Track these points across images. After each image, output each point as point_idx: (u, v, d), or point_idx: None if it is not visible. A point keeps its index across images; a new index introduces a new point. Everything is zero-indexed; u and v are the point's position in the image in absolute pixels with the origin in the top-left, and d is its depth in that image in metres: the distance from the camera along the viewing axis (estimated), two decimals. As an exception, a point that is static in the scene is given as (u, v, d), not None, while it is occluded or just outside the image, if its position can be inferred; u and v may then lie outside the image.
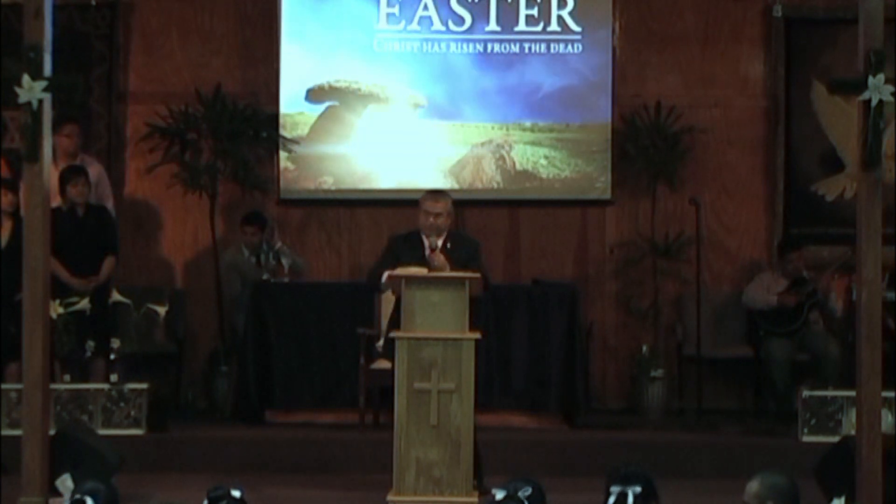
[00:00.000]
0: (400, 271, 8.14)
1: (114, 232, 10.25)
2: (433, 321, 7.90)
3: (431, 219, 8.57)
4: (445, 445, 7.83)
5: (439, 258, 8.36)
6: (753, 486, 5.52)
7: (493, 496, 6.01)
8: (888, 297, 9.78)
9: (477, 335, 7.95)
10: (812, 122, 11.20)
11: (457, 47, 11.27)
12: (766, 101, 11.33)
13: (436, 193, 8.83)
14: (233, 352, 10.55)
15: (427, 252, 8.44)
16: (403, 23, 11.26)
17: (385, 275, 8.27)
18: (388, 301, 9.03)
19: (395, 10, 11.26)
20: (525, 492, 6.03)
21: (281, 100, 11.23)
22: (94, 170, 10.46)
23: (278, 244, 10.81)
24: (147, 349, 10.38)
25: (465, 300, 7.91)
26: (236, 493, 5.83)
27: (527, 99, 11.27)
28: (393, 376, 8.23)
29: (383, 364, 9.03)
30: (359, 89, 11.28)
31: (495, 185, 11.32)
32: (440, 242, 8.56)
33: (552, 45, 11.25)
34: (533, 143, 11.29)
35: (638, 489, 5.94)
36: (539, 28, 11.25)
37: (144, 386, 9.54)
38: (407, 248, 8.60)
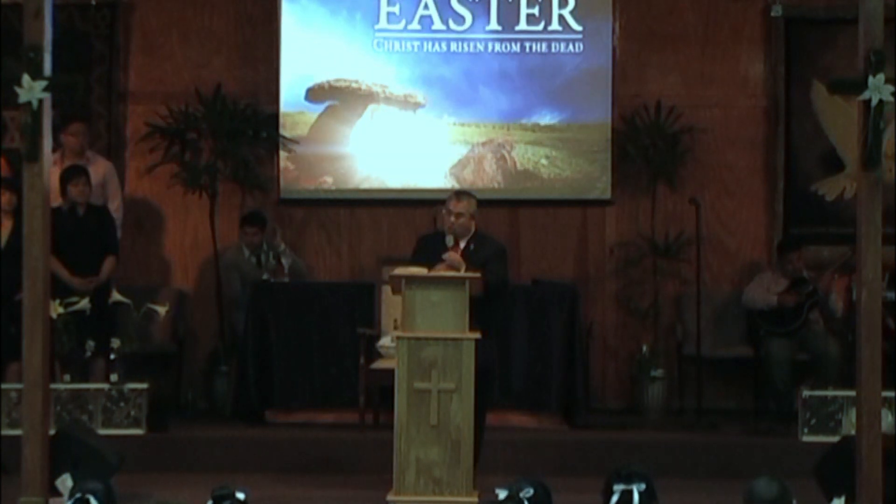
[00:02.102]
0: (399, 271, 8.15)
1: (114, 232, 10.25)
2: (433, 321, 7.90)
3: (453, 218, 8.60)
4: (445, 445, 7.83)
5: (454, 256, 8.36)
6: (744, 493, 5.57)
7: (496, 495, 6.02)
8: (888, 297, 9.79)
9: (477, 335, 7.94)
10: (812, 122, 11.21)
11: (457, 46, 11.27)
12: (766, 101, 11.33)
13: (459, 194, 8.85)
14: (233, 352, 10.55)
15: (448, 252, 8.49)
16: (404, 22, 11.26)
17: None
18: (393, 302, 9.06)
19: (396, 9, 11.26)
20: (527, 493, 6.03)
21: (281, 100, 11.23)
22: (102, 167, 10.50)
23: (281, 246, 10.80)
24: (147, 349, 10.38)
25: (465, 300, 7.91)
26: (241, 496, 5.83)
27: (528, 98, 11.27)
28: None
29: (384, 364, 9.05)
30: (359, 89, 11.28)
31: (496, 185, 11.32)
32: (463, 244, 8.56)
33: (553, 45, 11.25)
34: (534, 143, 11.29)
35: (643, 486, 5.97)
36: (540, 27, 11.25)
37: (144, 386, 9.54)
38: (429, 247, 8.61)
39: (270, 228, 10.91)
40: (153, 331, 10.66)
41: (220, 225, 10.99)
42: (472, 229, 8.61)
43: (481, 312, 8.06)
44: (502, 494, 6.15)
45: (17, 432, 7.71)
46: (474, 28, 11.24)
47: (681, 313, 11.09)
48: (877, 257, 7.34)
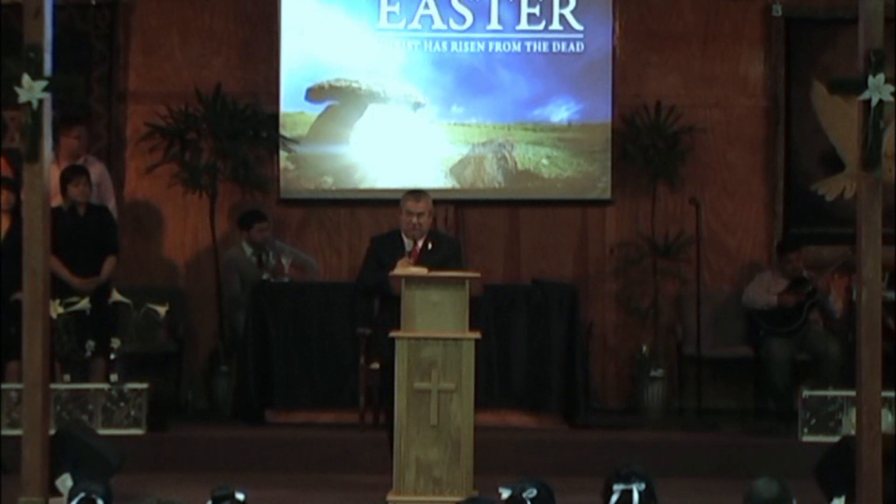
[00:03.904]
0: (399, 271, 8.16)
1: (114, 232, 10.25)
2: (433, 321, 7.90)
3: (414, 219, 8.60)
4: (445, 445, 7.84)
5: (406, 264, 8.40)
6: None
7: (500, 494, 6.02)
8: (888, 297, 9.78)
9: (477, 335, 7.95)
10: (812, 122, 11.20)
11: (458, 46, 11.26)
12: (766, 101, 11.33)
13: (416, 193, 8.84)
14: (233, 352, 10.56)
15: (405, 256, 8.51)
16: (404, 21, 11.25)
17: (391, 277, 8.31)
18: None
19: (396, 8, 11.26)
20: (530, 493, 6.03)
21: (281, 100, 11.22)
22: (97, 170, 10.48)
23: (286, 248, 10.81)
24: (147, 349, 10.37)
25: (465, 300, 7.91)
26: (240, 496, 5.82)
27: (528, 98, 11.27)
28: (381, 377, 8.29)
29: (375, 364, 9.07)
30: (359, 89, 11.28)
31: (497, 185, 11.32)
32: (420, 243, 8.58)
33: (554, 44, 11.25)
34: (534, 143, 11.29)
35: (643, 486, 5.97)
36: (541, 27, 11.25)
37: (144, 386, 9.54)
38: (388, 248, 8.63)
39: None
40: (153, 331, 10.64)
41: (220, 225, 11.00)
42: (428, 228, 8.65)
43: None
44: (505, 493, 6.15)
45: (17, 432, 7.71)
46: (475, 27, 11.24)
47: (681, 313, 11.09)
48: (877, 257, 7.33)
